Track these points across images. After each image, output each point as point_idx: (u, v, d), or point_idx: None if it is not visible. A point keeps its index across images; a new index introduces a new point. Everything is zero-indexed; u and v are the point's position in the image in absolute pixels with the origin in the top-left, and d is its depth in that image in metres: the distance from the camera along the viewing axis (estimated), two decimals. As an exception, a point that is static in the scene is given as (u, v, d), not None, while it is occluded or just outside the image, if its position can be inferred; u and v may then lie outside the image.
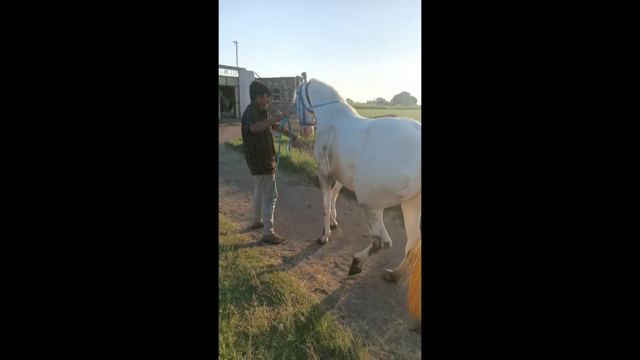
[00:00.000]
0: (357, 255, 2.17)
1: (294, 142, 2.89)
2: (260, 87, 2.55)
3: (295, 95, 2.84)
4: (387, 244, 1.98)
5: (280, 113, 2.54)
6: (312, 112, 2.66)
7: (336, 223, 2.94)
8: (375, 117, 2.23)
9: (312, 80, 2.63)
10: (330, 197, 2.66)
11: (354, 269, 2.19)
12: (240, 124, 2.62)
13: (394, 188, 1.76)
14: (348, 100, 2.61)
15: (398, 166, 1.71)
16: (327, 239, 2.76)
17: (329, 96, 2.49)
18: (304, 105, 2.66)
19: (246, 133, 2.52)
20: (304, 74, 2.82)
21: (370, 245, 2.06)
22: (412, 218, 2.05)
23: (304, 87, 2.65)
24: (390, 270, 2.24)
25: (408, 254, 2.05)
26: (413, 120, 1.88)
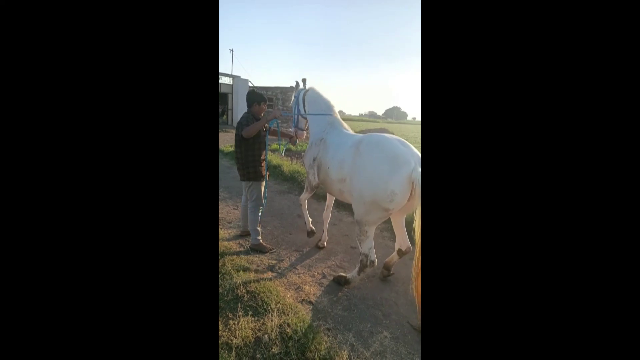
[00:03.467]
0: (349, 276, 2.22)
1: (286, 150, 2.93)
2: (257, 96, 2.62)
3: (292, 99, 2.88)
4: (372, 262, 2.06)
5: (269, 115, 2.57)
6: (305, 118, 2.71)
7: (325, 245, 2.88)
8: (367, 130, 2.29)
9: (311, 89, 2.68)
10: (309, 196, 2.74)
11: (343, 282, 2.23)
12: (234, 130, 2.63)
13: (381, 202, 1.85)
14: (340, 112, 2.66)
15: (386, 181, 1.80)
16: (312, 227, 2.85)
17: (324, 108, 2.54)
18: (299, 111, 2.72)
19: (239, 139, 2.53)
20: (304, 80, 2.86)
21: (359, 265, 2.13)
22: (399, 220, 2.22)
23: (302, 93, 2.71)
24: (384, 270, 2.35)
25: (397, 251, 2.24)
26: (399, 138, 2.00)
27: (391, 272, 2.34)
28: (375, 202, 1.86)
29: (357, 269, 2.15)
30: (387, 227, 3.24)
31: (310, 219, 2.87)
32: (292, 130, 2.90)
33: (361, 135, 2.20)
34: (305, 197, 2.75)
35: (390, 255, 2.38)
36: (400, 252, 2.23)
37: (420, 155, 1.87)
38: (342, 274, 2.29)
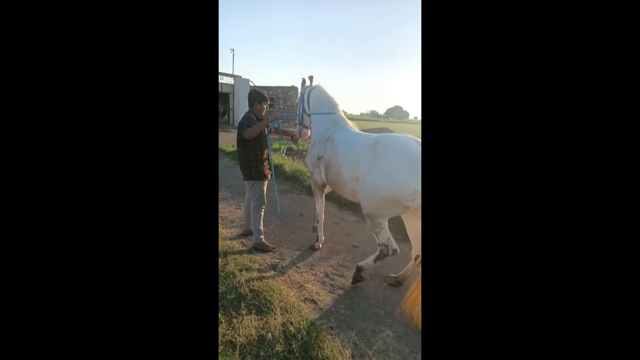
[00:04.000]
0: (362, 263, 2.17)
1: (287, 149, 2.90)
2: (259, 95, 2.61)
3: (299, 96, 2.87)
4: (394, 250, 2.03)
5: (270, 116, 2.57)
6: (308, 116, 2.70)
7: (320, 246, 2.87)
8: (368, 129, 2.27)
9: (316, 87, 2.66)
10: (323, 202, 2.68)
11: (358, 277, 2.19)
12: (235, 130, 2.64)
13: (403, 200, 1.85)
14: (342, 112, 2.65)
15: (408, 180, 1.80)
16: (320, 245, 2.78)
17: (327, 107, 2.52)
18: (303, 109, 2.70)
19: (241, 139, 2.54)
20: (310, 78, 2.84)
21: (377, 253, 2.08)
22: (414, 225, 2.13)
23: (307, 91, 2.68)
24: (394, 275, 2.29)
25: (415, 258, 2.14)
26: (415, 137, 1.98)
27: (402, 284, 2.25)
28: (396, 200, 1.86)
29: (373, 256, 2.10)
30: (394, 226, 3.24)
31: (323, 239, 2.82)
32: (295, 129, 2.88)
33: (375, 134, 2.18)
34: (320, 207, 2.66)
35: (389, 265, 2.34)
36: (418, 258, 2.10)
37: None
38: (356, 271, 2.20)
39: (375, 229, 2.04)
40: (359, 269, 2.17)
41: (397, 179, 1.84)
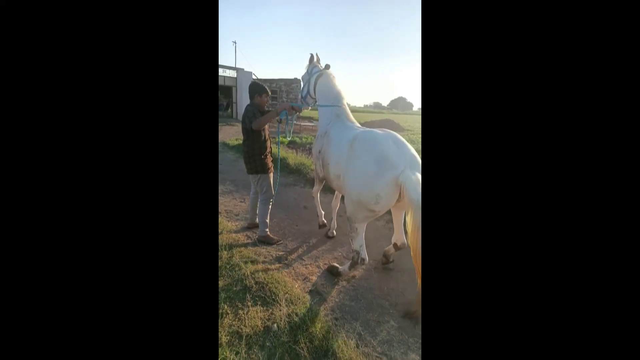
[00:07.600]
0: (340, 269, 2.25)
1: (290, 142, 2.91)
2: (259, 87, 2.57)
3: (304, 73, 2.80)
4: (362, 260, 2.07)
5: (279, 106, 2.54)
6: (313, 98, 2.66)
7: (335, 234, 2.92)
8: (372, 122, 2.25)
9: (325, 74, 2.56)
10: (320, 188, 2.76)
11: (334, 273, 2.27)
12: (240, 123, 2.62)
13: (366, 203, 1.84)
14: (346, 104, 2.62)
15: (372, 183, 1.78)
16: (323, 219, 2.91)
17: (332, 99, 2.47)
18: (308, 90, 2.65)
19: (246, 132, 2.52)
20: (327, 66, 2.71)
21: (351, 260, 2.15)
22: (398, 215, 2.21)
23: (315, 75, 2.60)
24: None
25: (393, 245, 2.27)
26: (395, 135, 1.93)
27: (390, 260, 2.39)
28: (360, 202, 1.86)
29: (348, 264, 2.18)
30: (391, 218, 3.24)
31: (323, 212, 2.92)
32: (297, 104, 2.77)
33: (358, 130, 2.14)
34: (316, 189, 2.78)
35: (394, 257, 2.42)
36: (396, 247, 2.26)
37: (414, 154, 1.82)
38: (335, 264, 2.34)
39: (351, 234, 2.04)
40: (337, 273, 2.25)
41: (362, 181, 1.82)
